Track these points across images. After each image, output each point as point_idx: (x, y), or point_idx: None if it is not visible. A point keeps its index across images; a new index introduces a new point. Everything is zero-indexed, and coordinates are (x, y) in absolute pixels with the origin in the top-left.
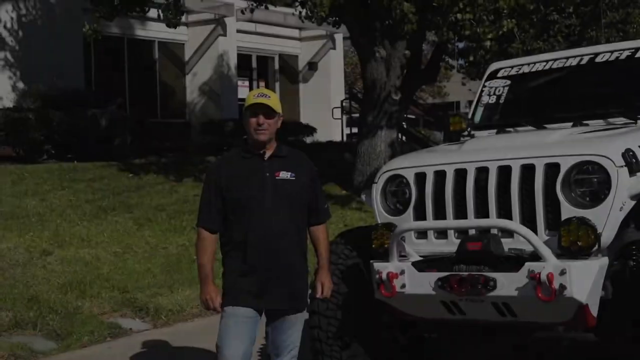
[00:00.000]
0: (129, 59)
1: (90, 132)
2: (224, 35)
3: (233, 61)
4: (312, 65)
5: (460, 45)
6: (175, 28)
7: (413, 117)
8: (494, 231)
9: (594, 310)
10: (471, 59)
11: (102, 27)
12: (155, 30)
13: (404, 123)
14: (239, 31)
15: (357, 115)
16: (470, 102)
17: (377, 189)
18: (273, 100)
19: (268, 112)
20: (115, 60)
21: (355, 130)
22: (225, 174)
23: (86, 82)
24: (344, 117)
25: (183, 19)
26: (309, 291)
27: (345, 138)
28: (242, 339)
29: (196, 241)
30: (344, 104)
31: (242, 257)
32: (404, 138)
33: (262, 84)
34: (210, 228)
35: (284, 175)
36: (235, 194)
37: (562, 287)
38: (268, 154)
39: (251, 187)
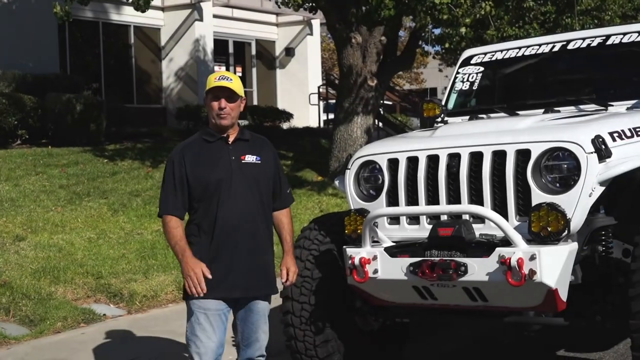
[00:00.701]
0: (105, 43)
1: (65, 117)
2: (200, 20)
3: (209, 46)
4: (289, 51)
5: (437, 31)
6: (144, 12)
7: (390, 103)
8: (466, 217)
9: (564, 295)
10: (447, 45)
11: (72, 9)
12: (130, 14)
13: (380, 109)
14: (215, 16)
15: (334, 101)
16: (446, 88)
17: (350, 175)
18: (235, 83)
19: (230, 95)
20: (90, 44)
21: (332, 116)
22: (189, 159)
23: (61, 67)
24: (321, 103)
25: (159, 3)
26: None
27: (322, 124)
28: (215, 333)
29: (164, 229)
30: (320, 89)
31: (210, 243)
32: (380, 124)
33: (239, 69)
34: (178, 215)
35: (250, 158)
36: (202, 179)
37: (532, 272)
38: (232, 137)
39: (218, 171)
